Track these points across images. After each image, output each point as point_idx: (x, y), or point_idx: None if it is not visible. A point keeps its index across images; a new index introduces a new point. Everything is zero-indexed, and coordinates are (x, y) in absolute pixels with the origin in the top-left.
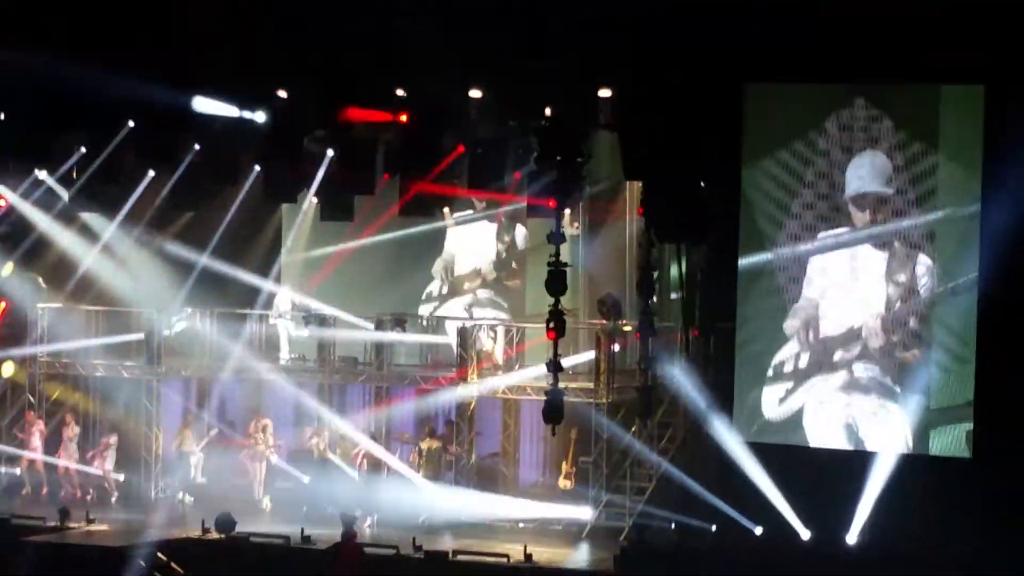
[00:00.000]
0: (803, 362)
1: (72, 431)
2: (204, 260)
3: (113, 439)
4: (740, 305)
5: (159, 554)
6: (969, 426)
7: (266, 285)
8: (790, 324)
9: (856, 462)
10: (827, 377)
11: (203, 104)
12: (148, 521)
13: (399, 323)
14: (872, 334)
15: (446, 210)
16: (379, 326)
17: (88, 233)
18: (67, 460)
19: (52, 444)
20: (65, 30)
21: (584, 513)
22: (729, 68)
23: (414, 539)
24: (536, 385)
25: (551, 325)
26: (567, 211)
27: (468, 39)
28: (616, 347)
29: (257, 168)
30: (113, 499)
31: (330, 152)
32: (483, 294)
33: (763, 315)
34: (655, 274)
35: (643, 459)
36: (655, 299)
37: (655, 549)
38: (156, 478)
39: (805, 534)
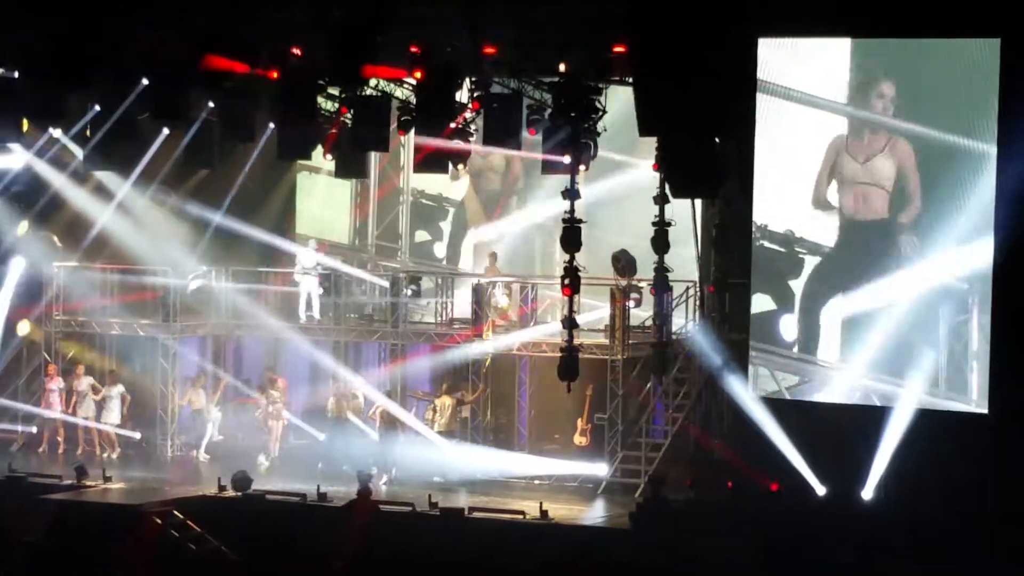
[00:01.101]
0: None
1: (82, 383)
2: (219, 218)
3: (106, 390)
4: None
5: (175, 511)
6: None
7: (282, 242)
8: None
9: (871, 418)
10: None
11: (217, 61)
12: (164, 479)
13: (414, 281)
14: None
15: (460, 166)
16: (395, 284)
17: (103, 192)
18: (83, 413)
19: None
20: None
21: (600, 470)
22: (743, 22)
23: (430, 496)
24: (551, 342)
25: (566, 282)
26: (581, 167)
27: None
28: (631, 303)
29: (271, 125)
30: (115, 455)
31: (344, 110)
32: None
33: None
34: None
35: (658, 415)
36: None
37: (670, 505)
38: (172, 436)
39: (820, 490)
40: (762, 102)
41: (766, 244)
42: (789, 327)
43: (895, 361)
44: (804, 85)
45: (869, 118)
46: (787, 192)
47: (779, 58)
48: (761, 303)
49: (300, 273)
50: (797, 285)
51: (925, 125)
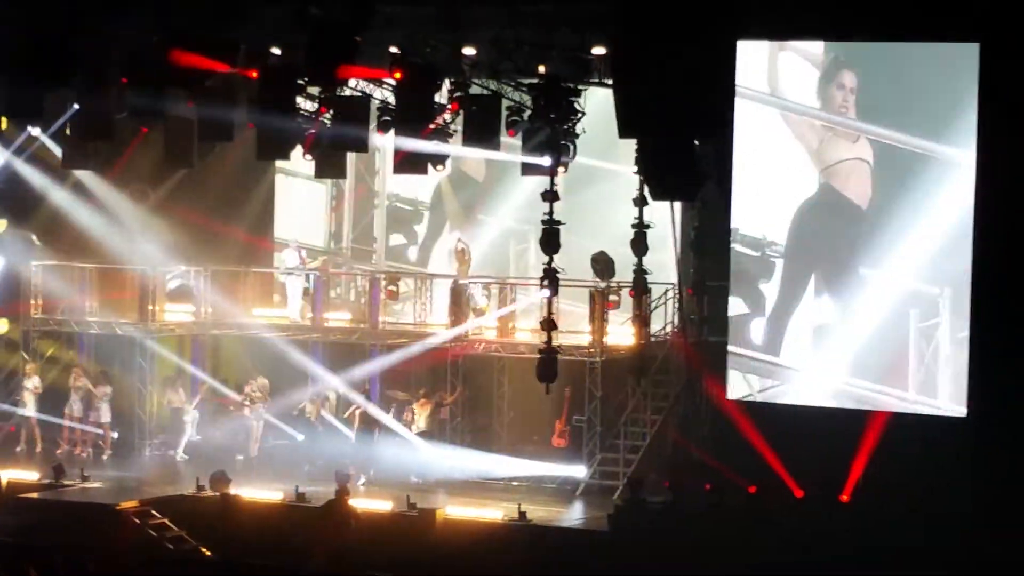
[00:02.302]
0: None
1: (80, 383)
2: (198, 217)
3: (98, 390)
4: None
5: (154, 511)
6: None
7: (261, 242)
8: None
9: (849, 420)
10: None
11: (195, 60)
12: (143, 479)
13: (393, 282)
14: None
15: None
16: (373, 285)
17: (82, 190)
18: (74, 414)
19: (53, 399)
20: None
21: (578, 471)
22: (722, 25)
23: (408, 497)
24: (530, 343)
25: (545, 283)
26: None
27: None
28: (610, 305)
29: (251, 125)
30: (105, 456)
31: (324, 110)
32: None
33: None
34: None
35: (637, 417)
36: None
37: (649, 507)
38: (150, 435)
39: (798, 492)
40: (740, 105)
41: (739, 248)
42: (761, 330)
43: (865, 365)
44: (780, 89)
45: (843, 122)
46: (763, 196)
47: (757, 61)
48: (733, 306)
49: (284, 274)
50: (769, 288)
51: (899, 129)
